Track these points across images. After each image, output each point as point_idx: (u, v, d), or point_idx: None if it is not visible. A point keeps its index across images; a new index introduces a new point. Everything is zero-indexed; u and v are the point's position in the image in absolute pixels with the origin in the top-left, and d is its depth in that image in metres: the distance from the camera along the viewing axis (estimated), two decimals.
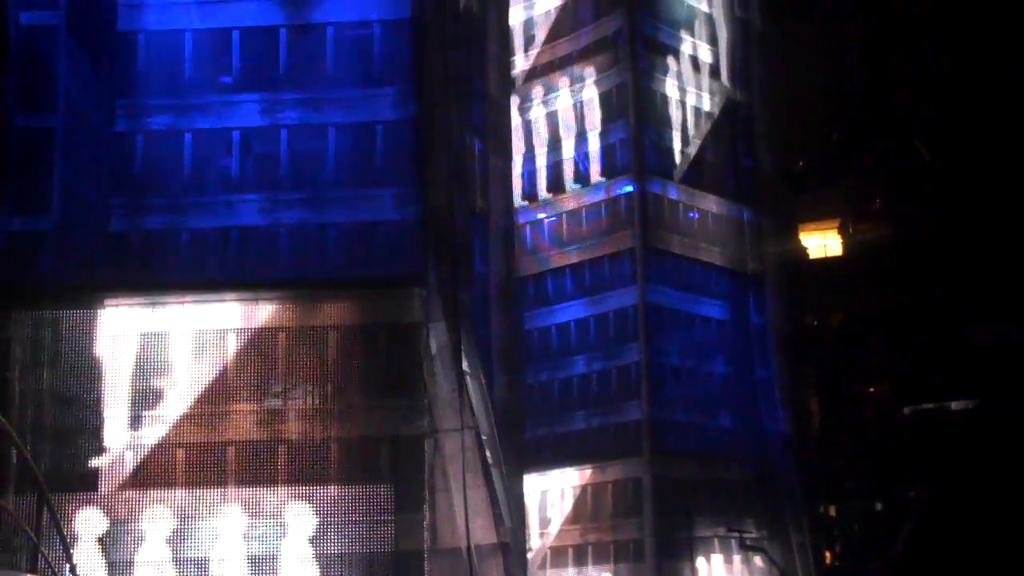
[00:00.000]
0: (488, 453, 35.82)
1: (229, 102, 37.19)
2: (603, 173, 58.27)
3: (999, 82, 61.63)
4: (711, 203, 59.27)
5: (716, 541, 53.85)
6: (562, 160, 59.58)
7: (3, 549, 29.62)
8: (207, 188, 36.63)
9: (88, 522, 32.57)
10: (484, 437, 35.72)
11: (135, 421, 33.95)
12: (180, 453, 33.88)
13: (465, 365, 35.47)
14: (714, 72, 60.92)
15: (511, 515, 37.92)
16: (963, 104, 63.42)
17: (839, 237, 69.50)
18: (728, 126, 60.79)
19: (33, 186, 35.64)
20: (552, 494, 55.88)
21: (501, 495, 35.97)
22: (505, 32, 45.75)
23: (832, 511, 62.27)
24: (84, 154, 36.24)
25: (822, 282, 65.22)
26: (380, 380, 35.32)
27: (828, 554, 60.90)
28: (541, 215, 59.58)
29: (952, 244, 61.69)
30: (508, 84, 48.13)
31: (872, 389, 64.90)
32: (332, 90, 37.20)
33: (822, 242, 68.97)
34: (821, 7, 68.51)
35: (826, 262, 67.76)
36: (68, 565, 17.78)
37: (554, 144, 59.94)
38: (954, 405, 60.08)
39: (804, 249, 67.58)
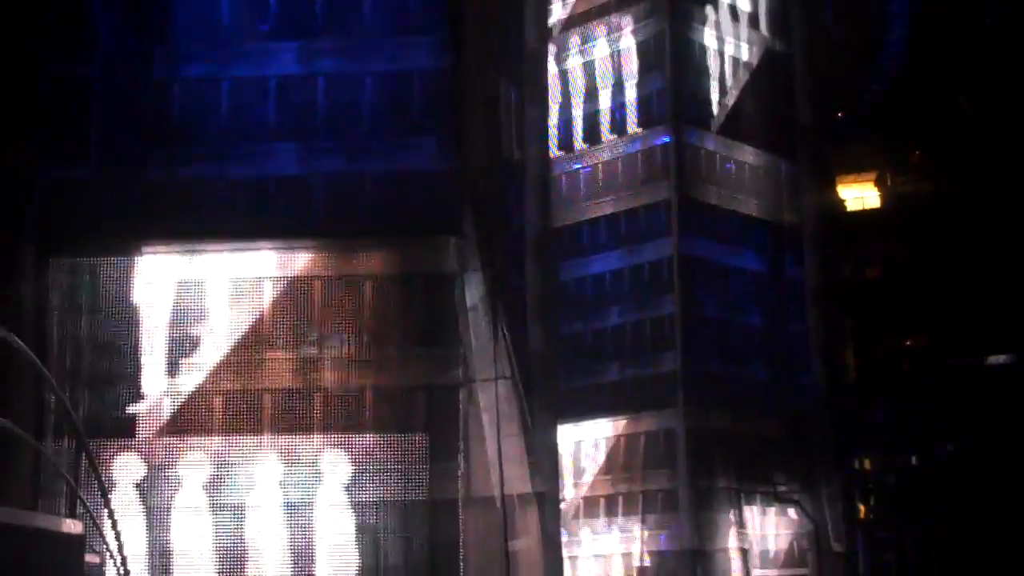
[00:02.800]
0: (522, 403, 35.95)
1: (266, 50, 37.13)
2: (640, 123, 57.99)
3: None
4: (748, 154, 58.93)
5: (749, 493, 53.92)
6: (599, 110, 59.30)
7: (43, 494, 30.00)
8: (244, 136, 36.62)
9: (126, 468, 32.87)
10: (517, 388, 35.83)
11: (172, 368, 34.18)
12: (217, 400, 34.10)
13: (500, 315, 35.52)
14: (753, 21, 60.41)
15: (545, 465, 38.10)
16: (1006, 56, 62.68)
17: (877, 189, 69.01)
18: (766, 77, 60.33)
19: (71, 135, 35.74)
20: (586, 444, 56.04)
21: (535, 445, 36.11)
22: None
23: (867, 465, 62.19)
24: (122, 103, 36.27)
25: (860, 234, 64.83)
26: (415, 329, 35.36)
27: (863, 508, 60.88)
28: (577, 165, 59.41)
29: (991, 197, 61.15)
30: (545, 33, 47.90)
31: (909, 342, 64.64)
32: (369, 39, 37.04)
33: (860, 194, 68.52)
34: None
35: (864, 214, 67.33)
36: (106, 510, 17.93)
37: (591, 94, 59.66)
38: (992, 359, 59.78)
39: (842, 201, 67.13)
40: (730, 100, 59.07)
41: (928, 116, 65.23)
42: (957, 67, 64.69)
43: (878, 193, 68.69)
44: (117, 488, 32.39)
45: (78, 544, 14.28)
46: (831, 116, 66.44)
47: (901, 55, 66.67)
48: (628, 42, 58.69)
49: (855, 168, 68.03)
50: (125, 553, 17.59)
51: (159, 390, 33.96)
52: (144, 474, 33.21)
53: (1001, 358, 59.68)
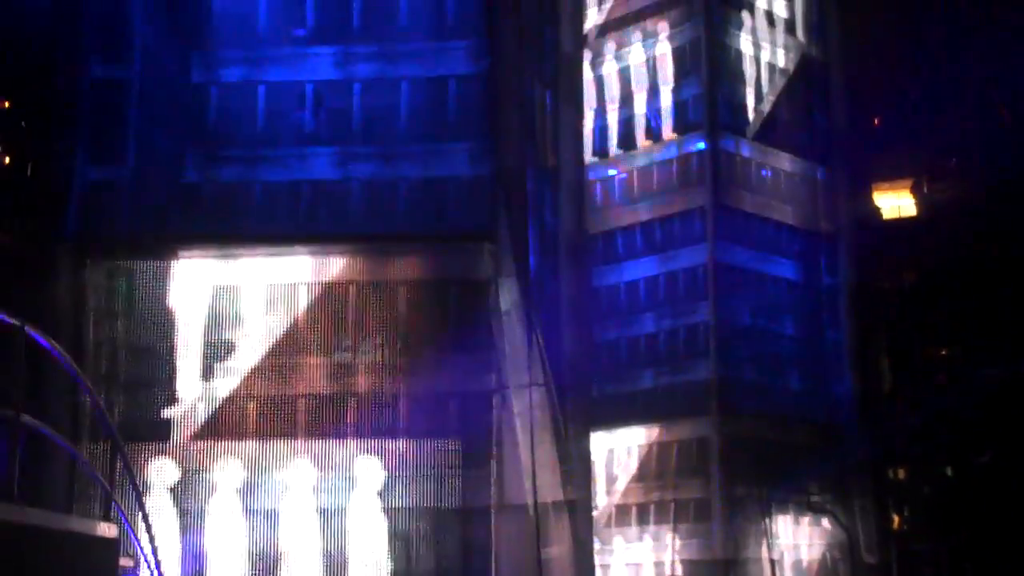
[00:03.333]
0: (555, 410, 35.82)
1: (303, 55, 37.23)
2: (675, 129, 57.86)
3: None
4: (784, 161, 58.70)
5: (782, 502, 53.65)
6: (634, 116, 59.19)
7: (77, 498, 30.05)
8: (280, 141, 36.77)
9: (160, 472, 32.95)
10: (550, 394, 35.70)
11: (207, 372, 34.23)
12: (251, 405, 34.13)
13: (534, 321, 35.42)
14: (789, 27, 60.19)
15: (578, 472, 37.96)
16: None
17: (913, 197, 68.55)
18: (803, 83, 60.10)
19: (109, 137, 35.92)
20: (619, 452, 55.88)
21: (568, 452, 35.99)
22: None
23: (901, 475, 61.79)
24: (159, 105, 36.46)
25: (895, 242, 64.42)
26: (449, 335, 35.29)
27: (896, 518, 60.50)
28: (612, 171, 59.30)
29: None
30: (580, 39, 47.79)
31: (944, 351, 64.17)
32: (405, 44, 37.08)
33: (896, 202, 68.07)
34: None
35: (900, 222, 66.89)
36: (141, 513, 17.98)
37: (626, 100, 59.56)
38: None
39: (878, 209, 66.74)
40: (766, 106, 58.87)
41: (965, 123, 64.77)
42: (995, 75, 64.21)
43: (914, 200, 68.23)
44: (151, 492, 32.47)
45: (112, 547, 14.30)
46: (867, 123, 66.12)
47: (937, 62, 66.25)
48: (664, 48, 58.56)
49: (891, 175, 67.61)
50: (159, 557, 17.60)
51: (194, 394, 34.03)
52: (178, 478, 33.26)
53: None
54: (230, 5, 37.08)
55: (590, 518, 42.22)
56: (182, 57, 36.75)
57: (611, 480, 55.71)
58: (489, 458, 33.91)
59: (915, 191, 68.40)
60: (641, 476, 55.10)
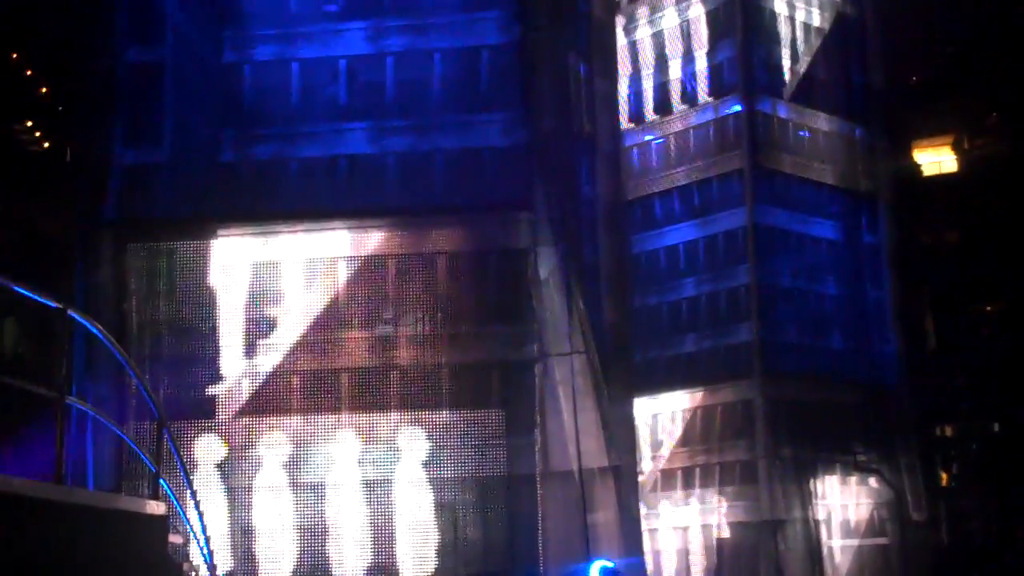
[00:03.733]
0: (595, 377, 35.90)
1: (334, 30, 37.31)
2: (711, 93, 57.58)
3: None
4: (822, 121, 58.33)
5: (828, 463, 53.57)
6: (669, 81, 58.93)
7: (126, 477, 30.43)
8: (315, 117, 36.93)
9: (206, 449, 33.27)
10: (591, 361, 35.78)
11: (249, 349, 34.48)
12: (295, 380, 34.38)
13: (574, 289, 35.48)
14: None
15: (622, 438, 38.05)
16: None
17: (954, 153, 67.99)
18: (839, 41, 59.63)
19: (145, 120, 36.17)
20: (663, 417, 55.92)
21: (612, 418, 36.07)
22: None
23: (948, 432, 61.55)
24: (193, 86, 36.69)
25: (937, 200, 63.98)
26: (489, 305, 35.43)
27: (944, 476, 60.29)
28: (648, 137, 59.10)
29: None
30: (613, 4, 47.63)
31: (989, 308, 63.75)
32: (436, 15, 37.09)
33: (936, 159, 67.54)
34: None
35: (941, 179, 66.38)
36: (189, 490, 18.17)
37: (660, 65, 59.28)
38: None
39: (918, 166, 66.26)
40: (802, 67, 58.47)
41: (1004, 78, 64.11)
42: None
43: (955, 157, 67.67)
44: (199, 469, 32.80)
45: (162, 525, 14.46)
46: (905, 80, 65.56)
47: (976, 15, 65.55)
48: (697, 11, 58.23)
49: (931, 132, 67.08)
50: (208, 533, 17.81)
51: (237, 371, 34.31)
52: (224, 454, 33.58)
53: None
54: None
55: (636, 483, 42.33)
56: (214, 37, 36.95)
57: (656, 445, 55.75)
58: (533, 427, 34.04)
59: (955, 147, 67.84)
60: (686, 440, 55.12)
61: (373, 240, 35.64)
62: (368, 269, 35.15)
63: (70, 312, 12.31)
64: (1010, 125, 64.98)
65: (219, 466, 33.52)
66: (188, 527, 17.64)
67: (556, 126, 36.56)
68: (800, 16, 58.82)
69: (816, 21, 59.20)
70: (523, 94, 36.20)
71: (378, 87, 37.13)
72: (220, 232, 35.21)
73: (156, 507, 14.10)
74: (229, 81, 37.02)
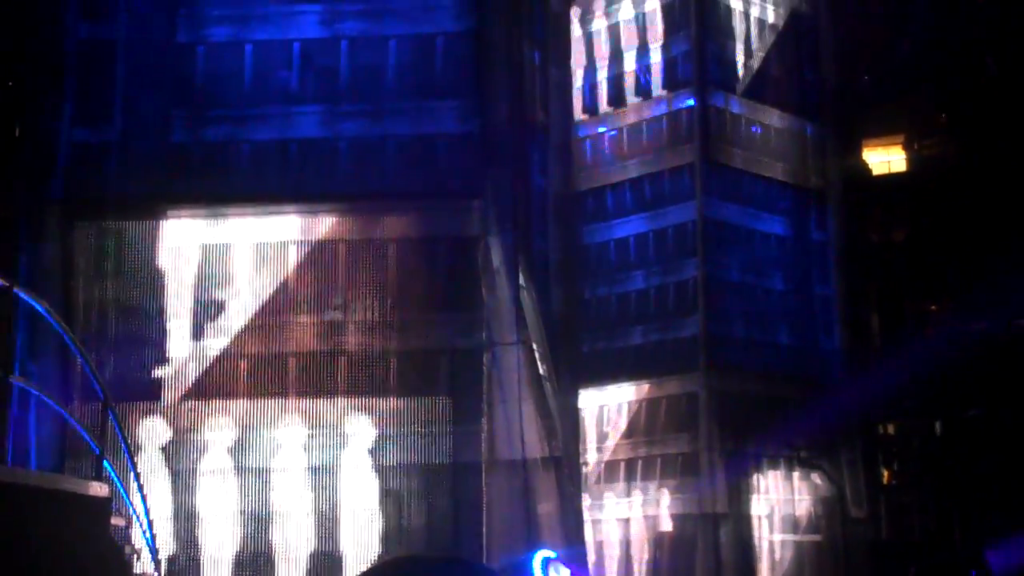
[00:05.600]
0: (543, 367, 35.99)
1: (289, 13, 37.11)
2: (665, 86, 57.67)
3: None
4: (774, 117, 58.61)
5: (771, 457, 53.94)
6: (623, 73, 58.96)
7: (69, 458, 30.23)
8: (267, 100, 36.71)
9: (151, 431, 33.13)
10: (539, 351, 35.87)
11: (197, 332, 34.36)
12: (242, 364, 34.29)
13: (522, 279, 35.57)
14: None
15: (567, 429, 38.17)
16: None
17: (903, 153, 68.52)
18: (792, 38, 59.92)
19: (96, 98, 35.87)
20: (609, 409, 56.06)
21: (554, 409, 36.17)
22: None
23: (891, 430, 62.06)
24: (146, 65, 36.35)
25: (885, 198, 64.45)
26: (439, 293, 35.49)
27: (886, 472, 60.84)
28: (601, 129, 59.15)
29: (1018, 159, 60.69)
30: None
31: (934, 307, 64.33)
32: (392, 1, 36.99)
33: (886, 158, 68.04)
34: None
35: (890, 178, 66.86)
36: (132, 473, 18.12)
37: (615, 57, 59.31)
38: (1018, 321, 59.36)
39: (867, 165, 66.72)
40: (756, 62, 58.70)
41: (955, 78, 64.67)
42: (984, 27, 64.07)
43: (904, 156, 68.20)
44: (143, 451, 32.65)
45: (104, 507, 14.42)
46: (857, 78, 65.98)
47: (927, 16, 66.10)
48: (653, 4, 58.30)
49: (881, 131, 67.52)
50: (151, 516, 17.76)
51: (184, 354, 34.16)
52: (170, 437, 33.45)
53: None
54: None
55: (578, 474, 42.50)
56: (168, 16, 36.63)
57: (601, 437, 55.90)
58: (479, 415, 34.12)
59: (905, 147, 68.36)
60: (631, 432, 55.27)
61: (324, 225, 35.61)
62: (318, 254, 35.10)
63: (15, 290, 12.23)
64: (959, 126, 65.57)
65: (164, 449, 33.40)
66: (131, 510, 17.59)
67: (509, 115, 36.57)
68: (755, 12, 59.09)
69: (771, 18, 59.50)
70: (477, 82, 36.24)
71: (332, 71, 36.99)
72: (170, 213, 35.04)
73: (99, 489, 14.05)
74: (182, 61, 36.72)
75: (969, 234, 60.21)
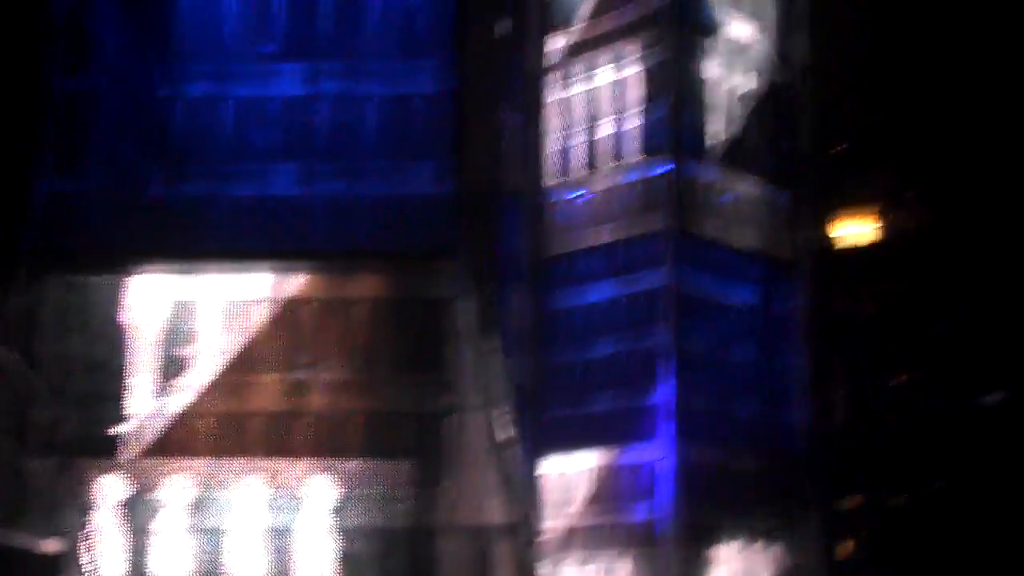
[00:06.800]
0: (506, 433, 36.01)
1: (270, 71, 37.33)
2: (641, 152, 57.99)
3: None
4: (748, 186, 58.90)
5: (733, 529, 53.89)
6: (599, 139, 59.30)
7: (24, 513, 30.08)
8: (245, 156, 36.80)
9: (109, 488, 32.94)
10: (503, 417, 35.90)
11: (161, 389, 34.27)
12: (203, 422, 34.18)
13: (491, 342, 35.64)
14: (757, 53, 60.51)
15: (529, 495, 38.17)
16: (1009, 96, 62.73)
17: (875, 224, 68.97)
18: (770, 108, 60.38)
19: (73, 149, 35.91)
20: (571, 475, 55.94)
21: (517, 475, 36.17)
22: (545, 7, 45.61)
23: (853, 504, 62.10)
24: (124, 119, 36.47)
25: (854, 270, 64.78)
26: (407, 354, 35.49)
27: (847, 547, 60.82)
28: (575, 193, 59.37)
29: (989, 234, 61.14)
30: (548, 60, 48.06)
31: (903, 378, 64.53)
32: (372, 61, 37.25)
33: (857, 230, 68.48)
34: None
35: (860, 250, 67.26)
36: (86, 530, 18.17)
37: (592, 122, 59.66)
38: (985, 398, 59.62)
39: (839, 236, 67.14)
40: (732, 131, 59.09)
41: (927, 151, 65.24)
42: (958, 103, 64.72)
43: (875, 228, 68.65)
44: (99, 509, 32.46)
45: (56, 564, 14.44)
46: (832, 149, 66.45)
47: (901, 90, 66.76)
48: (632, 71, 58.70)
49: (853, 202, 67.95)
50: (103, 574, 17.77)
51: (146, 410, 34.05)
52: (127, 495, 33.28)
53: (995, 396, 59.53)
54: (198, 19, 37.14)
55: (537, 542, 42.42)
56: (149, 70, 36.78)
57: (563, 504, 55.73)
58: (440, 480, 34.08)
59: (878, 218, 68.80)
60: (594, 500, 55.14)
61: (295, 283, 35.64)
62: (287, 312, 35.12)
63: None
64: (930, 200, 66.07)
65: (121, 506, 33.20)
66: (82, 567, 17.63)
67: (484, 178, 36.81)
68: (732, 81, 59.57)
69: (748, 87, 59.97)
70: (454, 144, 36.43)
71: (309, 130, 37.16)
72: (142, 268, 35.02)
73: (51, 545, 14.10)
74: (162, 115, 36.80)
75: (937, 308, 60.63)
